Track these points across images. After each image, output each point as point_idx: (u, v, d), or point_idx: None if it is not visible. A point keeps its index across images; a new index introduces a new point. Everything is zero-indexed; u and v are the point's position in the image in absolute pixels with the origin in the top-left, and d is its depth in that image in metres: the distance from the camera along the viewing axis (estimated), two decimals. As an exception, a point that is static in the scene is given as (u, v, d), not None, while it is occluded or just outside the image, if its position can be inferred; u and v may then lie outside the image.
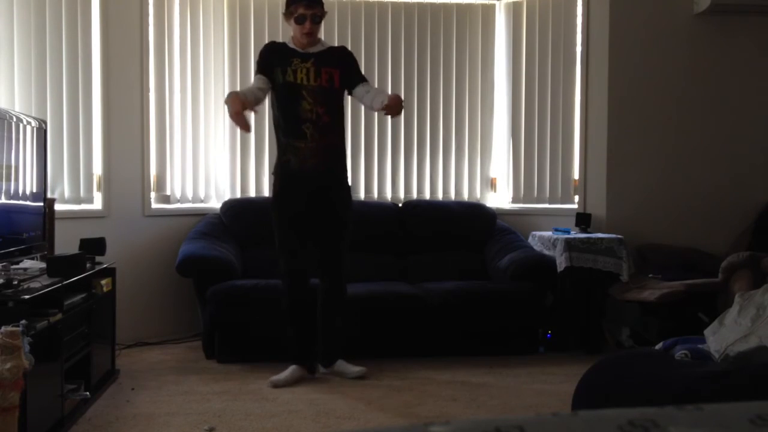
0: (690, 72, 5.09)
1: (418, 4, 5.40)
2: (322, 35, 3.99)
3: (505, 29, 5.48)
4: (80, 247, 3.71)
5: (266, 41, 5.09)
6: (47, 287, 2.84)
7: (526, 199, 5.40)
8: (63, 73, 4.56)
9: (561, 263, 4.50)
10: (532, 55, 5.37)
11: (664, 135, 5.08)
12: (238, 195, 5.20)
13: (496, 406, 3.48)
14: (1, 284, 2.72)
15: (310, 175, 3.83)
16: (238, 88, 5.16)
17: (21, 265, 3.27)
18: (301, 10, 3.79)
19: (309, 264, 3.94)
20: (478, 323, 4.45)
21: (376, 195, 5.39)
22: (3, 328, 2.41)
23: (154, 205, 4.94)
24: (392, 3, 5.38)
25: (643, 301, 4.38)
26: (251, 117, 3.89)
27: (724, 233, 4.97)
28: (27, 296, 2.65)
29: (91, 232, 4.09)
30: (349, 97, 4.01)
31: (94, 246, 3.76)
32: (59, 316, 2.89)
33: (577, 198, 5.26)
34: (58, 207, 4.18)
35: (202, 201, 5.16)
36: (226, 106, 3.66)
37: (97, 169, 4.74)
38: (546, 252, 4.72)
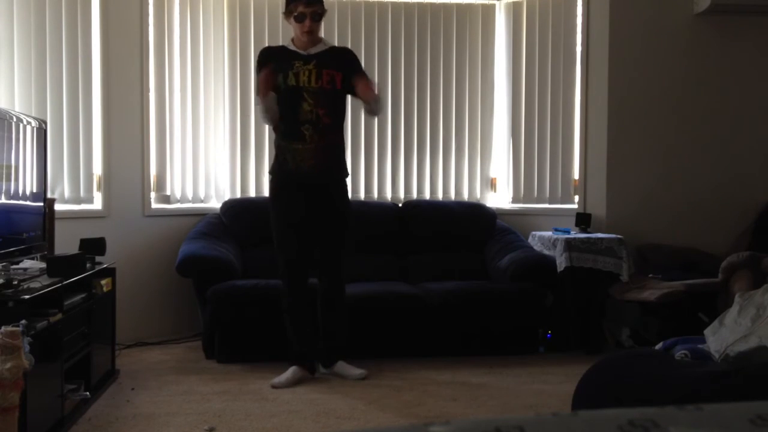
0: (690, 72, 5.09)
1: (418, 4, 5.40)
2: (322, 34, 3.98)
3: (505, 29, 5.48)
4: (80, 247, 3.71)
5: (266, 41, 5.13)
6: (47, 287, 2.84)
7: (526, 199, 5.40)
8: (63, 73, 4.56)
9: (561, 263, 4.50)
10: (532, 55, 5.37)
11: (664, 135, 5.08)
12: (238, 195, 5.21)
13: (496, 406, 3.48)
14: (1, 284, 2.72)
15: (308, 176, 3.82)
16: (238, 88, 5.19)
17: (21, 265, 3.27)
18: (300, 8, 3.78)
19: (308, 264, 3.94)
20: (478, 323, 4.45)
21: (376, 195, 5.39)
22: (3, 328, 2.41)
23: (154, 205, 4.94)
24: (392, 3, 5.38)
25: (643, 301, 4.38)
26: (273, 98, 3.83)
27: (724, 233, 4.97)
28: (27, 296, 2.65)
29: (91, 232, 4.09)
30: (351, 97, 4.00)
31: (94, 246, 3.76)
32: (59, 316, 2.89)
33: (577, 198, 5.26)
34: (58, 207, 4.18)
35: (202, 201, 5.16)
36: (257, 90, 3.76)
37: (97, 169, 4.74)
38: (546, 252, 4.72)
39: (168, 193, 5.00)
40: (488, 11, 5.48)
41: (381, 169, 5.41)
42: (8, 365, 2.36)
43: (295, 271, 3.90)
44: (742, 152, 5.11)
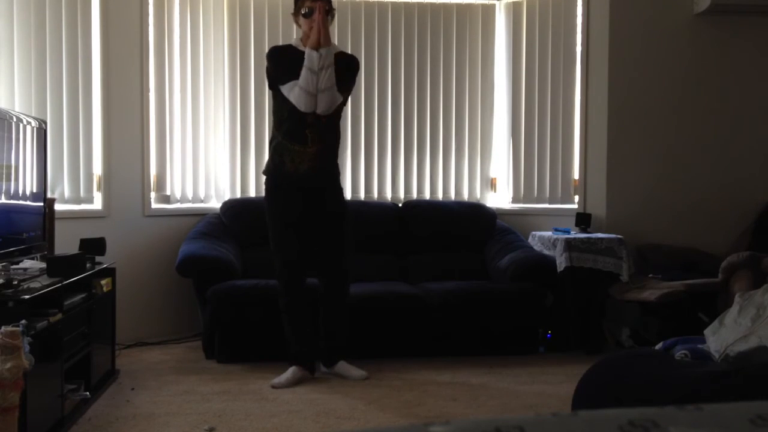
0: (690, 72, 5.09)
1: (418, 4, 5.40)
2: (335, 39, 3.92)
3: (505, 29, 5.48)
4: (80, 247, 3.71)
5: (266, 41, 5.14)
6: (47, 287, 2.84)
7: (526, 199, 5.40)
8: (63, 73, 4.56)
9: (561, 263, 4.50)
10: (532, 55, 5.37)
11: (664, 135, 5.08)
12: (238, 195, 5.20)
13: (496, 406, 3.48)
14: (1, 284, 2.72)
15: (304, 176, 3.82)
16: (238, 88, 5.19)
17: (21, 265, 3.27)
18: (308, 3, 3.77)
19: (305, 263, 3.93)
20: (478, 323, 4.45)
21: (376, 195, 5.39)
22: (3, 328, 2.41)
23: (154, 205, 4.94)
24: (392, 3, 5.38)
25: (643, 301, 4.38)
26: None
27: (724, 233, 4.97)
28: (27, 296, 2.65)
29: (91, 232, 4.09)
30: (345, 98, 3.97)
31: (94, 246, 3.76)
32: (59, 316, 2.89)
33: (577, 198, 5.26)
34: (58, 207, 4.18)
35: (202, 201, 5.16)
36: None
37: (97, 169, 4.74)
38: (546, 252, 4.72)
39: (168, 193, 5.00)
40: (488, 11, 5.48)
41: (381, 169, 5.41)
42: (8, 365, 2.36)
43: (293, 270, 3.90)
44: (742, 152, 5.11)
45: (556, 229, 4.85)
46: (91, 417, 3.24)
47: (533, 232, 5.05)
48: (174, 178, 5.04)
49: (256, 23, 5.21)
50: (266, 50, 4.87)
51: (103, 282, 3.63)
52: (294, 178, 3.83)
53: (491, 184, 5.52)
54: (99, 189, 4.75)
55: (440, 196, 5.45)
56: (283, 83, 3.78)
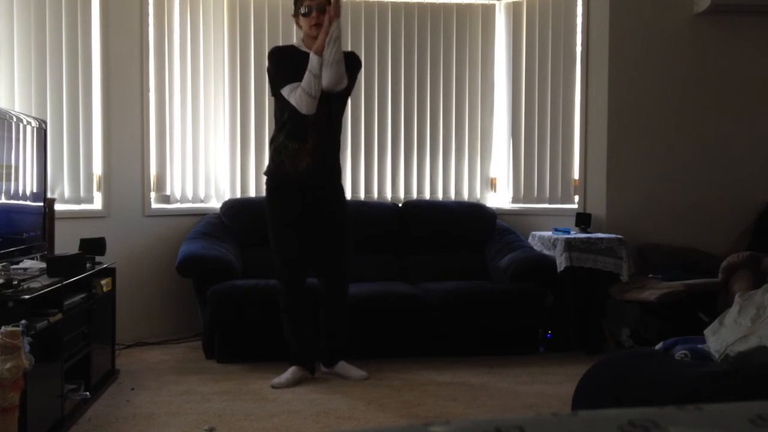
0: (690, 72, 5.09)
1: (418, 4, 5.40)
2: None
3: (505, 29, 5.48)
4: (80, 247, 3.71)
5: (266, 41, 5.14)
6: (47, 287, 2.84)
7: (526, 199, 5.40)
8: (63, 73, 4.56)
9: (561, 263, 4.50)
10: (532, 55, 5.37)
11: (664, 135, 5.08)
12: (238, 195, 5.20)
13: (496, 406, 3.48)
14: (1, 284, 2.72)
15: (303, 174, 3.81)
16: (238, 88, 5.19)
17: (21, 265, 3.27)
18: (307, 2, 3.77)
19: (305, 263, 3.93)
20: (478, 323, 4.45)
21: (376, 195, 5.39)
22: (3, 328, 2.41)
23: (154, 205, 4.94)
24: (392, 3, 5.38)
25: (643, 301, 4.38)
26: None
27: (724, 233, 4.97)
28: (27, 296, 2.65)
29: (91, 232, 4.09)
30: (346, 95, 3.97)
31: (94, 246, 3.76)
32: (59, 316, 2.89)
33: (577, 198, 5.26)
34: (58, 207, 4.18)
35: (202, 201, 5.16)
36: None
37: (97, 169, 4.74)
38: (546, 252, 4.72)
39: (168, 193, 5.00)
40: (488, 11, 5.48)
41: (381, 169, 5.41)
42: (8, 365, 2.36)
43: (293, 270, 3.90)
44: (742, 152, 5.11)
45: (556, 229, 4.85)
46: (91, 417, 3.24)
47: (533, 232, 5.05)
48: (174, 178, 5.04)
49: (256, 23, 5.21)
50: (266, 50, 4.90)
51: (103, 282, 3.63)
52: (294, 177, 3.83)
53: (491, 184, 5.52)
54: (99, 189, 4.75)
55: (440, 196, 5.45)
56: (284, 85, 3.78)
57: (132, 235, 4.78)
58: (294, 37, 4.97)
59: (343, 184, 4.09)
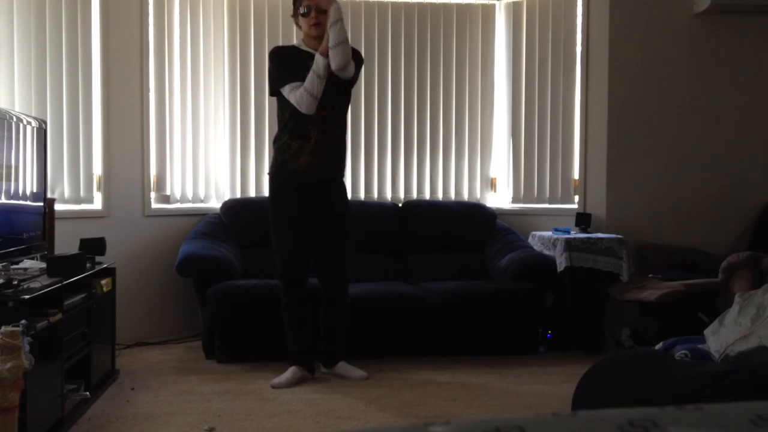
0: (690, 72, 5.09)
1: (418, 4, 5.40)
2: None
3: (505, 29, 5.48)
4: (80, 247, 3.71)
5: (266, 41, 5.14)
6: (47, 287, 2.84)
7: (526, 199, 5.40)
8: (63, 73, 4.56)
9: (561, 263, 4.50)
10: (532, 55, 5.37)
11: (664, 135, 5.09)
12: (238, 195, 5.21)
13: (496, 406, 3.48)
14: (1, 284, 2.72)
15: (305, 171, 3.81)
16: (238, 88, 5.19)
17: (21, 265, 3.27)
18: (306, 2, 3.77)
19: (307, 263, 3.93)
20: (478, 323, 4.45)
21: (376, 195, 5.39)
22: (3, 328, 2.41)
23: (154, 205, 4.94)
24: (392, 3, 5.38)
25: (643, 301, 4.38)
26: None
27: (724, 233, 4.97)
28: (27, 296, 2.65)
29: (91, 232, 4.09)
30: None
31: (94, 246, 3.76)
32: (59, 316, 2.89)
33: (577, 198, 5.26)
34: (58, 207, 4.18)
35: (202, 201, 5.16)
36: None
37: (97, 169, 4.74)
38: (546, 252, 4.72)
39: (168, 193, 5.00)
40: (488, 11, 5.48)
41: (381, 169, 5.41)
42: (8, 365, 2.36)
43: (294, 270, 3.90)
44: (742, 152, 5.11)
45: (556, 229, 4.85)
46: (91, 417, 3.24)
47: (533, 232, 5.05)
48: (174, 178, 5.04)
49: (256, 23, 5.21)
50: (266, 50, 4.91)
51: (103, 282, 3.63)
52: (296, 175, 3.82)
53: (491, 184, 5.52)
54: (99, 189, 4.75)
55: (440, 196, 5.45)
56: (284, 84, 3.77)
57: (132, 235, 4.78)
58: (294, 37, 4.97)
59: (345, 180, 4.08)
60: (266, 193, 5.08)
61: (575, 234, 4.75)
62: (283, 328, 3.95)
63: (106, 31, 4.70)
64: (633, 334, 4.53)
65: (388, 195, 5.41)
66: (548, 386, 3.83)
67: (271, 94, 3.94)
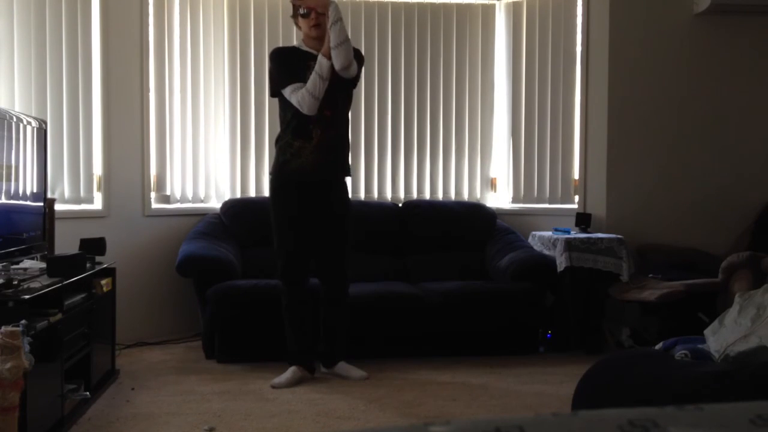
0: (690, 72, 5.09)
1: (418, 4, 5.40)
2: None
3: (505, 29, 5.48)
4: (80, 247, 3.71)
5: (266, 41, 5.14)
6: (47, 287, 2.84)
7: (526, 199, 5.40)
8: (63, 73, 4.56)
9: (561, 263, 4.50)
10: (532, 55, 5.37)
11: (664, 135, 5.09)
12: (238, 195, 5.20)
13: (496, 406, 3.48)
14: (1, 284, 2.72)
15: (308, 173, 3.81)
16: (238, 88, 5.19)
17: (21, 265, 3.27)
18: (304, 5, 3.77)
19: (308, 263, 3.93)
20: (478, 323, 4.45)
21: (376, 195, 5.39)
22: (3, 328, 2.41)
23: (154, 205, 4.94)
24: (392, 3, 5.38)
25: (643, 301, 4.38)
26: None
27: (724, 233, 4.97)
28: (27, 296, 2.65)
29: (91, 232, 4.09)
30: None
31: (94, 246, 3.76)
32: (59, 316, 2.89)
33: (577, 198, 5.26)
34: (58, 207, 4.19)
35: (202, 201, 5.16)
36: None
37: (97, 169, 4.74)
38: (546, 252, 4.72)
39: (168, 193, 5.00)
40: (488, 11, 5.48)
41: (381, 169, 5.41)
42: (8, 365, 2.36)
43: (295, 270, 3.90)
44: (742, 152, 5.11)
45: (556, 229, 4.85)
46: (91, 417, 3.24)
47: (533, 232, 5.05)
48: (174, 178, 5.04)
49: (256, 24, 5.21)
50: (266, 50, 4.92)
51: (103, 282, 3.63)
52: (297, 174, 3.82)
53: (491, 184, 5.52)
54: (99, 189, 4.75)
55: (440, 196, 5.45)
56: (285, 85, 3.77)
57: (132, 235, 4.78)
58: (294, 38, 4.97)
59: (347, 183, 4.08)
60: (266, 193, 5.10)
61: (575, 234, 4.75)
62: (284, 328, 3.95)
63: (106, 31, 4.70)
64: (633, 334, 4.53)
65: (388, 195, 5.41)
66: (548, 386, 3.83)
67: (272, 95, 3.94)
